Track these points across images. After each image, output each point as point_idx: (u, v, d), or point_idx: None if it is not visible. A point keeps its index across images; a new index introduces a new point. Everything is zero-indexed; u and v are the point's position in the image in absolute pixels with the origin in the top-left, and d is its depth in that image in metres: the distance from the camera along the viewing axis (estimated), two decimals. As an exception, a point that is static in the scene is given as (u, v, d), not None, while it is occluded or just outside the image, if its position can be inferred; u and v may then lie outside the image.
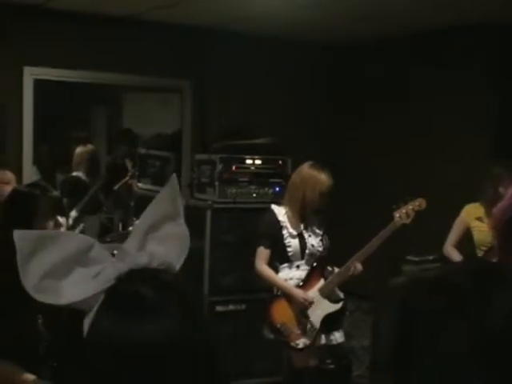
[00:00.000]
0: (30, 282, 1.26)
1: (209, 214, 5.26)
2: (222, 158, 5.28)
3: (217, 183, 5.27)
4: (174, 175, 1.35)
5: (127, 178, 5.97)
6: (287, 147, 5.42)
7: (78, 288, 1.22)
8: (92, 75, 5.38)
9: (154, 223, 1.36)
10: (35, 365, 2.76)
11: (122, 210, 6.07)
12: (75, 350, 1.19)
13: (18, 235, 1.29)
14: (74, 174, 6.01)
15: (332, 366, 4.32)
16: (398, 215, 4.07)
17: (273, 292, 4.24)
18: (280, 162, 5.41)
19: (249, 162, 5.36)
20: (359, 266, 4.09)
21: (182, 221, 1.35)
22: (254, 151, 5.42)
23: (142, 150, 6.24)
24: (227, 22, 5.32)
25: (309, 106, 6.20)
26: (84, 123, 6.97)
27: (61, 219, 2.88)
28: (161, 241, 1.35)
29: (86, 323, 1.13)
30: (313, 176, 4.12)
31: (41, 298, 1.24)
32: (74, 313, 1.24)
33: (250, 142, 5.45)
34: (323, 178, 4.11)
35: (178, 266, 1.31)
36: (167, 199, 1.38)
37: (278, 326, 4.11)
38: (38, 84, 5.12)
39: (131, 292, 1.11)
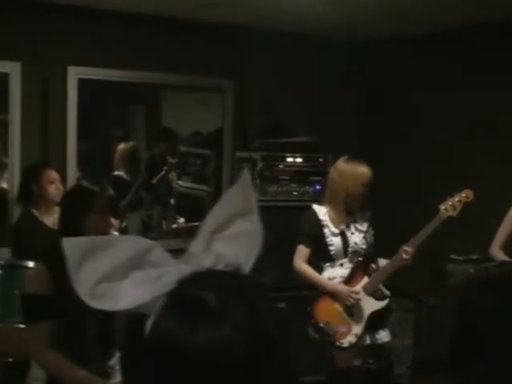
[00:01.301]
0: (83, 288, 1.24)
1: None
2: (262, 155, 5.29)
3: (258, 181, 5.27)
4: (246, 171, 1.31)
5: (164, 171, 5.99)
6: (327, 145, 5.41)
7: (138, 292, 1.19)
8: (133, 74, 5.41)
9: (222, 222, 1.33)
10: (88, 362, 2.80)
11: (161, 207, 6.10)
12: (135, 351, 1.16)
13: (67, 243, 1.26)
14: (116, 173, 6.04)
15: (374, 366, 4.29)
16: (443, 207, 3.97)
17: (314, 291, 4.21)
18: (321, 159, 5.40)
19: (290, 160, 5.36)
20: (410, 250, 3.97)
21: (254, 217, 1.31)
22: (294, 149, 5.42)
23: (183, 148, 6.26)
24: (267, 20, 5.33)
25: (346, 104, 6.18)
26: (123, 122, 7.01)
27: (113, 220, 2.89)
28: (229, 240, 1.31)
29: (148, 325, 1.12)
30: (351, 169, 4.09)
31: (96, 304, 1.21)
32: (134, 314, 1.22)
33: (291, 140, 5.45)
34: (362, 169, 4.07)
35: (247, 267, 1.27)
36: (237, 196, 1.34)
37: (322, 325, 4.09)
38: (82, 83, 5.17)
39: (192, 296, 1.08)
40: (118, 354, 2.92)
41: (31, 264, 3.69)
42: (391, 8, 4.83)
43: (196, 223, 4.99)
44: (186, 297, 1.08)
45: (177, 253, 4.28)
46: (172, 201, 5.96)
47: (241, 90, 5.75)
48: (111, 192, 3.01)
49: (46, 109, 5.08)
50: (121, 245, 1.27)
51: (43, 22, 5.00)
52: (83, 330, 2.85)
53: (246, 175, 1.33)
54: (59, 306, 2.76)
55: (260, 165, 5.27)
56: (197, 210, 5.98)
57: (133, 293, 1.20)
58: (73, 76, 5.12)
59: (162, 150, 6.44)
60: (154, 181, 5.89)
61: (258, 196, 5.26)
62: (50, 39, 5.02)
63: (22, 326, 3.37)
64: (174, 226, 4.79)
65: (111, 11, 5.05)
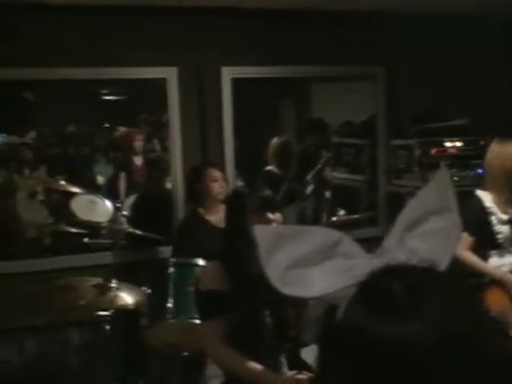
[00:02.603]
0: (274, 274, 1.26)
1: (409, 200, 5.16)
2: (420, 142, 5.17)
3: (416, 168, 5.17)
4: (444, 166, 1.28)
5: (319, 165, 5.99)
6: (483, 127, 5.20)
7: (328, 281, 1.19)
8: (284, 70, 5.46)
9: (417, 219, 1.30)
10: (264, 357, 2.86)
11: (317, 200, 6.11)
12: (326, 341, 1.16)
13: (259, 230, 1.29)
14: (267, 168, 6.13)
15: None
16: None
17: (479, 279, 4.07)
18: (482, 142, 5.20)
19: (448, 144, 5.21)
20: None
21: (452, 215, 1.27)
22: (452, 133, 5.26)
23: (336, 139, 6.25)
24: (414, 4, 5.19)
25: (502, 84, 5.91)
26: (273, 117, 7.10)
27: (272, 216, 2.91)
28: (424, 237, 1.28)
29: (339, 314, 1.11)
30: (507, 150, 3.94)
31: (287, 290, 1.23)
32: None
33: (448, 124, 5.29)
34: None
35: (444, 264, 1.24)
36: (433, 192, 1.31)
37: (494, 313, 3.95)
38: (235, 83, 5.28)
39: (383, 288, 1.07)
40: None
41: (201, 262, 3.83)
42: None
43: (356, 215, 4.98)
44: (377, 289, 1.08)
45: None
46: (327, 193, 5.95)
47: (392, 76, 5.65)
48: (265, 191, 3.04)
49: (202, 109, 5.24)
50: (311, 234, 1.28)
51: (195, 27, 5.15)
52: (258, 325, 2.92)
53: (443, 171, 1.29)
54: (234, 302, 2.83)
55: (417, 152, 5.16)
56: (353, 200, 5.95)
57: (323, 281, 1.21)
58: (226, 76, 5.23)
59: (315, 142, 6.45)
60: (309, 176, 5.90)
61: (416, 183, 5.16)
62: (203, 43, 5.17)
63: (197, 321, 3.48)
64: (334, 218, 4.79)
65: (260, 9, 5.11)
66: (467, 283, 3.89)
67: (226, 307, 2.83)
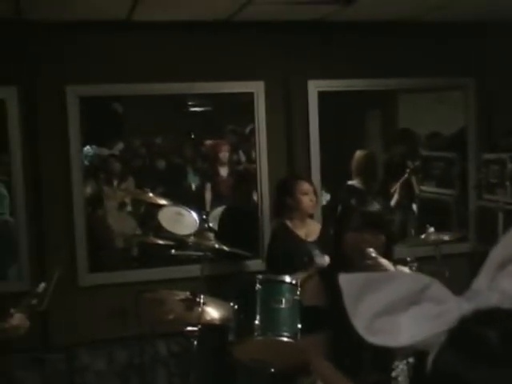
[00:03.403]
0: (361, 323, 1.23)
1: (500, 216, 5.03)
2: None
3: (508, 183, 5.03)
4: None
5: (406, 175, 5.88)
6: None
7: (417, 328, 1.16)
8: (370, 82, 5.40)
9: (510, 256, 1.24)
10: (363, 374, 2.82)
11: (404, 212, 6.00)
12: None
13: (344, 279, 1.26)
14: (350, 182, 6.02)
15: None
16: None
17: None
18: None
19: (542, 158, 5.04)
20: None
21: None
22: (546, 147, 5.08)
23: (424, 152, 6.12)
24: (504, 14, 5.03)
25: None
26: (360, 128, 7.01)
27: (371, 237, 2.84)
28: None
29: (430, 360, 1.09)
30: None
31: (375, 340, 1.20)
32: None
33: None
34: None
35: None
36: None
37: None
38: (321, 95, 5.26)
39: (476, 335, 1.05)
40: (401, 366, 2.88)
41: (288, 279, 3.80)
42: None
43: (446, 236, 4.83)
44: (469, 334, 1.06)
45: (425, 260, 4.17)
46: (414, 206, 5.84)
47: (483, 88, 5.51)
48: (374, 207, 2.95)
49: (289, 122, 5.24)
50: (399, 279, 1.25)
51: (282, 41, 5.16)
52: (358, 340, 2.86)
53: None
54: (335, 317, 2.80)
55: (510, 166, 5.00)
56: (442, 215, 5.81)
57: (413, 328, 1.18)
58: (313, 89, 5.22)
59: (402, 153, 6.32)
60: (395, 188, 5.81)
61: (508, 199, 5.01)
62: (290, 56, 5.16)
63: (284, 339, 3.47)
64: (423, 236, 4.68)
65: (341, 22, 5.07)
66: None
67: (327, 322, 2.79)
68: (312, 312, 2.86)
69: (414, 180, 5.88)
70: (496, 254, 1.24)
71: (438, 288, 1.20)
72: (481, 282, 1.21)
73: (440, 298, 1.19)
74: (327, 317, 2.78)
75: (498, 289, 1.17)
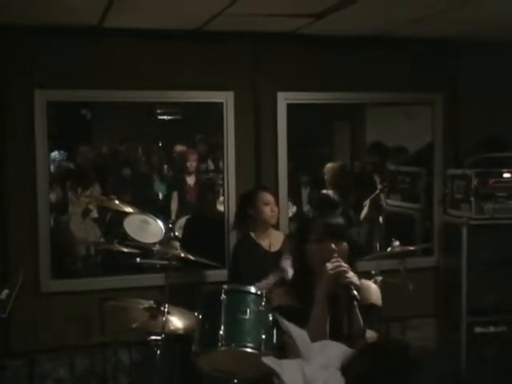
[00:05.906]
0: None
1: (465, 231, 5.10)
2: (477, 172, 5.09)
3: (472, 199, 5.09)
4: None
5: (377, 191, 5.92)
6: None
7: None
8: (339, 96, 5.42)
9: None
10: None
11: (370, 226, 6.04)
12: None
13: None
14: (324, 191, 6.07)
15: None
16: None
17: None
18: (543, 174, 5.09)
19: (507, 175, 5.11)
20: None
21: None
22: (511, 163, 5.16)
23: (391, 166, 6.18)
24: (475, 31, 5.11)
25: None
26: (327, 140, 7.06)
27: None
28: None
29: None
30: None
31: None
32: None
33: (508, 155, 5.18)
34: None
35: None
36: None
37: None
38: (290, 107, 5.28)
39: None
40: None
41: (253, 289, 3.79)
42: None
43: (412, 247, 4.90)
44: None
45: (390, 274, 4.21)
46: (381, 219, 5.88)
47: (451, 103, 5.57)
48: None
49: (257, 132, 5.25)
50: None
51: (251, 53, 5.16)
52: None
53: None
54: (306, 317, 2.80)
55: (474, 182, 5.07)
56: (407, 228, 5.87)
57: None
58: (282, 101, 5.24)
59: (372, 168, 6.38)
60: (366, 202, 5.85)
61: (473, 214, 5.07)
62: (260, 68, 5.18)
63: (248, 350, 3.46)
64: (389, 249, 4.72)
65: (313, 36, 5.09)
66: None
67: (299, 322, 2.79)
68: (282, 311, 2.86)
69: (382, 195, 5.93)
70: None
71: None
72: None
73: None
74: (298, 315, 2.79)
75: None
